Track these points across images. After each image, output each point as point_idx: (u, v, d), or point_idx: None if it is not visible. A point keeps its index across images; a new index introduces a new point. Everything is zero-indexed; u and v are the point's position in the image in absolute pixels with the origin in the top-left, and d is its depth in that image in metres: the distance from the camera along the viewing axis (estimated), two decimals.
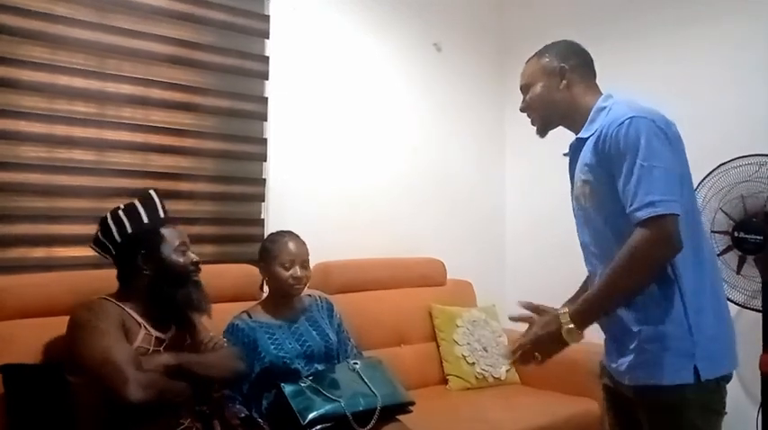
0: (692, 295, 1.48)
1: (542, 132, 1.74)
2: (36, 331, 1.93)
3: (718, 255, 2.54)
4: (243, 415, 1.96)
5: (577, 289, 1.78)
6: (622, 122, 1.49)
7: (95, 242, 1.89)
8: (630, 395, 1.55)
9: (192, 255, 1.90)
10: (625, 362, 1.54)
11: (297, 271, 2.16)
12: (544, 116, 1.71)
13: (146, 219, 1.87)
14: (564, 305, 1.66)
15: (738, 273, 2.54)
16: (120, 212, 1.87)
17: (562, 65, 1.66)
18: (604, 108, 1.60)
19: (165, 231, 1.87)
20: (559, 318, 1.52)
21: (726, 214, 2.55)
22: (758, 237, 2.46)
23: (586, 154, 1.59)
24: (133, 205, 1.89)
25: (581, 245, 1.70)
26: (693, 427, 1.47)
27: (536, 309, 1.66)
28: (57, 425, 1.75)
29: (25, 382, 1.79)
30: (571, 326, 1.49)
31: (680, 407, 1.46)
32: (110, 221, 1.86)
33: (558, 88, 1.66)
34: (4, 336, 1.91)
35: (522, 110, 1.76)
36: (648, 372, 1.49)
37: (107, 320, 1.70)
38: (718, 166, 2.56)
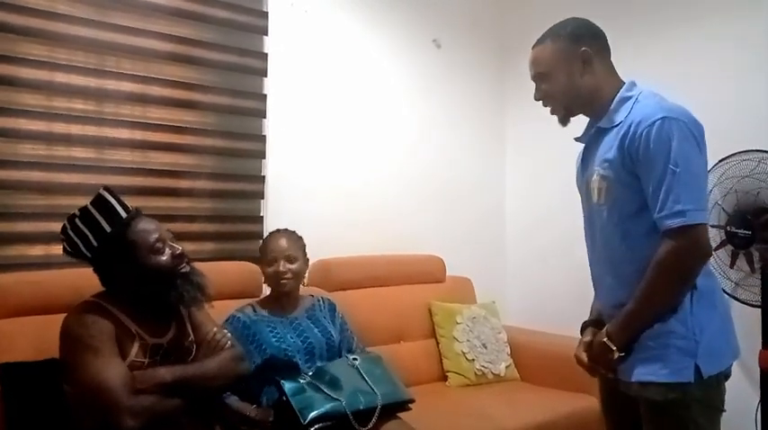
0: (701, 294, 1.48)
1: (564, 122, 1.66)
2: (35, 329, 1.93)
3: (715, 250, 2.56)
4: (248, 412, 1.95)
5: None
6: (653, 123, 1.44)
7: (66, 253, 1.76)
8: (631, 392, 1.55)
9: (173, 247, 1.76)
10: (626, 358, 1.52)
11: (280, 266, 2.19)
12: (567, 106, 1.63)
13: (108, 227, 1.71)
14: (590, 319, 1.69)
15: (732, 267, 2.56)
16: (79, 222, 1.72)
17: (584, 48, 1.57)
18: (629, 98, 1.54)
19: (133, 234, 1.72)
20: (604, 342, 1.52)
21: (723, 209, 2.56)
22: (747, 232, 2.48)
23: (608, 148, 1.53)
24: (89, 212, 1.72)
25: (586, 238, 1.68)
26: (695, 424, 1.46)
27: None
28: (55, 424, 1.75)
29: (24, 380, 1.79)
30: (614, 348, 1.50)
31: (681, 404, 1.46)
32: (72, 234, 1.72)
33: (582, 75, 1.58)
34: (4, 334, 1.91)
35: (538, 99, 1.66)
36: (651, 370, 1.48)
37: (99, 335, 1.62)
38: (719, 162, 2.56)
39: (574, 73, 1.58)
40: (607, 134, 1.56)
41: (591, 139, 1.63)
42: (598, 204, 1.58)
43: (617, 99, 1.57)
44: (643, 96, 1.54)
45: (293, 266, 2.21)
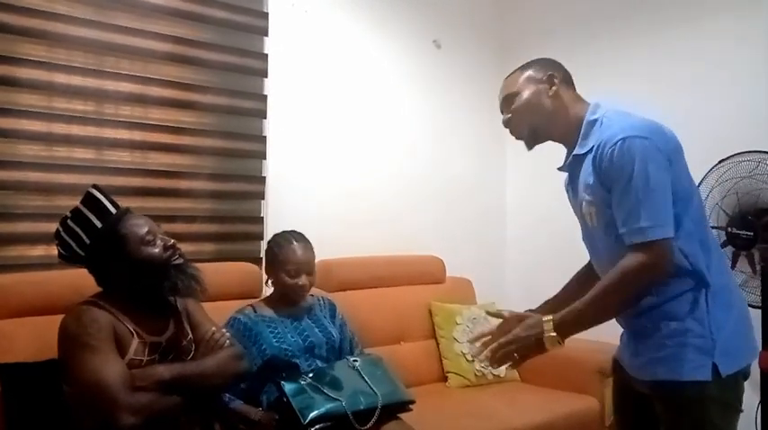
0: (716, 294, 1.48)
1: (531, 144, 1.69)
2: (36, 329, 1.93)
3: None
4: (253, 415, 1.95)
5: (561, 289, 1.81)
6: (615, 143, 1.47)
7: (61, 257, 1.78)
8: (647, 391, 1.55)
9: (165, 239, 1.78)
10: (644, 357, 1.53)
11: (302, 279, 2.17)
12: (533, 125, 1.66)
13: (98, 224, 1.73)
14: (544, 305, 1.74)
15: (733, 268, 2.56)
16: (71, 223, 1.74)
17: (550, 73, 1.64)
18: (596, 121, 1.58)
19: (124, 228, 1.74)
20: (543, 324, 1.53)
21: (723, 210, 2.56)
22: (749, 233, 2.48)
23: (587, 173, 1.57)
24: (80, 211, 1.75)
25: (592, 258, 1.71)
26: (712, 424, 1.47)
27: (511, 317, 1.67)
28: (54, 424, 1.75)
29: (24, 381, 1.79)
30: (554, 334, 1.51)
31: (699, 403, 1.46)
32: (65, 236, 1.74)
33: (548, 95, 1.63)
34: (4, 334, 1.91)
35: (506, 122, 1.70)
36: (668, 368, 1.48)
37: (98, 334, 1.62)
38: (718, 163, 2.56)
39: (541, 92, 1.64)
40: (584, 160, 1.59)
41: (572, 167, 1.67)
42: (593, 227, 1.61)
43: (585, 123, 1.60)
44: (606, 118, 1.57)
45: (312, 278, 2.22)
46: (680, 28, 3.02)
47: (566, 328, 1.52)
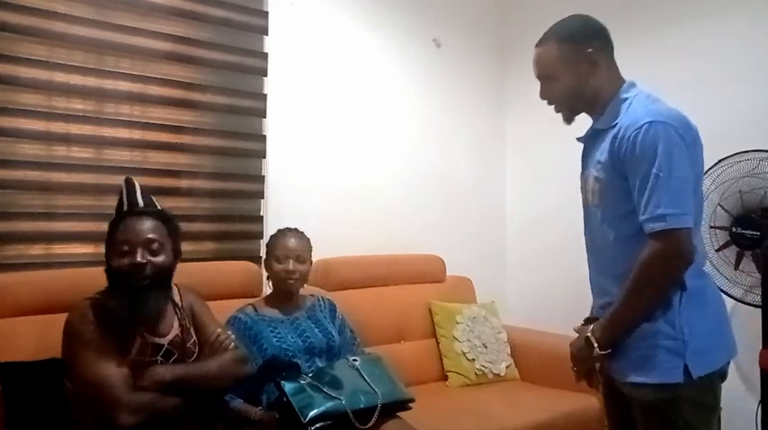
0: (691, 294, 1.47)
1: (569, 120, 1.67)
2: (35, 328, 1.93)
3: (717, 251, 2.54)
4: (253, 415, 1.95)
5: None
6: (641, 127, 1.45)
7: None
8: (625, 391, 1.55)
9: (136, 258, 1.67)
10: (620, 359, 1.54)
11: (289, 264, 2.20)
12: (572, 107, 1.64)
13: (114, 212, 1.78)
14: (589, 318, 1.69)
15: (737, 268, 2.54)
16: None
17: (590, 50, 1.57)
18: (625, 100, 1.55)
19: (116, 229, 1.72)
20: (585, 337, 1.54)
21: (725, 210, 2.54)
22: (755, 233, 2.45)
23: (602, 150, 1.55)
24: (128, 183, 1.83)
25: (586, 240, 1.69)
26: (686, 424, 1.46)
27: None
28: (55, 423, 1.75)
29: (24, 380, 1.78)
30: (596, 345, 1.52)
31: (672, 404, 1.46)
32: None
33: (587, 77, 1.58)
34: (4, 334, 1.92)
35: (543, 98, 1.67)
36: (641, 370, 1.49)
37: (101, 332, 1.63)
38: (719, 162, 2.55)
39: (581, 75, 1.59)
40: (603, 136, 1.57)
41: (589, 140, 1.65)
42: (593, 205, 1.60)
43: (614, 100, 1.57)
44: (636, 100, 1.54)
45: (302, 267, 2.24)
46: (680, 27, 3.01)
47: (606, 336, 1.52)
